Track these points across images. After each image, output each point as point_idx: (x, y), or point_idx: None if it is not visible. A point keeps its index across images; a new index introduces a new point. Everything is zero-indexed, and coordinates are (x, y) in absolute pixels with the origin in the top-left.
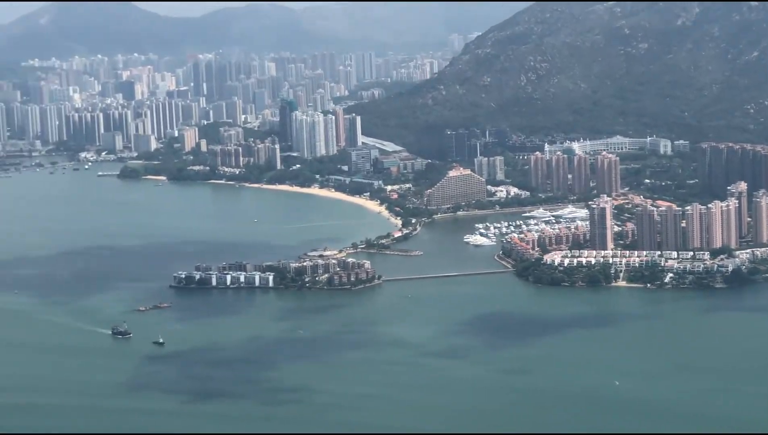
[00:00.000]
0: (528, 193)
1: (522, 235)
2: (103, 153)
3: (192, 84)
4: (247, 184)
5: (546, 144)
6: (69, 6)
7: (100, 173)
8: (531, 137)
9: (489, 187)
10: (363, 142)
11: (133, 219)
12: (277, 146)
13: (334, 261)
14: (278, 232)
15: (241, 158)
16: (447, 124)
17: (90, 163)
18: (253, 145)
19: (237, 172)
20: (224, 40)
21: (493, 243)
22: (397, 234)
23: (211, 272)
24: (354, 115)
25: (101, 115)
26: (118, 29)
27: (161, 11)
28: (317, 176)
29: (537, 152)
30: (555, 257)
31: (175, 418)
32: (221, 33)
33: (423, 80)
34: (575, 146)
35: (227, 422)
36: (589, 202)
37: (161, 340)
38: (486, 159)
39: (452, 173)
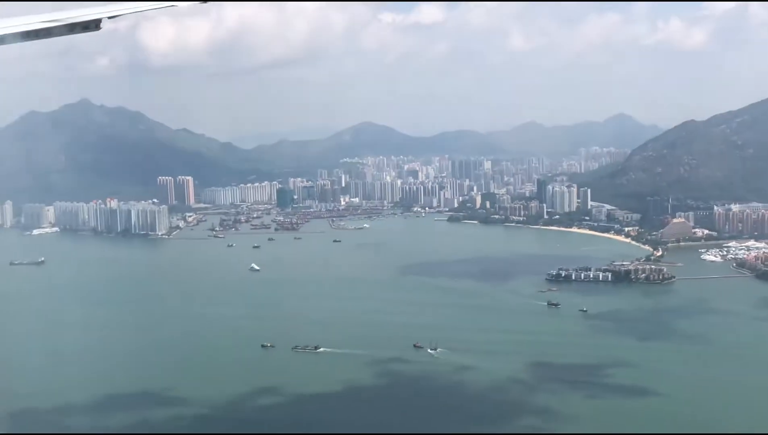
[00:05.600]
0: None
1: (746, 255)
2: (426, 207)
3: (445, 174)
4: (530, 226)
5: (715, 206)
6: (361, 129)
7: (435, 219)
8: (699, 202)
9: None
10: (591, 204)
11: (480, 243)
12: (544, 204)
13: (647, 266)
14: (577, 252)
15: (522, 211)
16: (642, 193)
17: (423, 214)
18: (526, 203)
19: (522, 219)
20: (446, 151)
21: (720, 260)
22: (657, 254)
23: (570, 271)
24: (586, 188)
25: (422, 187)
26: (388, 142)
27: (412, 134)
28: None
29: (716, 208)
30: None
31: (638, 351)
32: (444, 146)
33: (613, 170)
34: (734, 207)
35: (676, 354)
36: None
37: (585, 309)
38: (683, 213)
39: (675, 221)
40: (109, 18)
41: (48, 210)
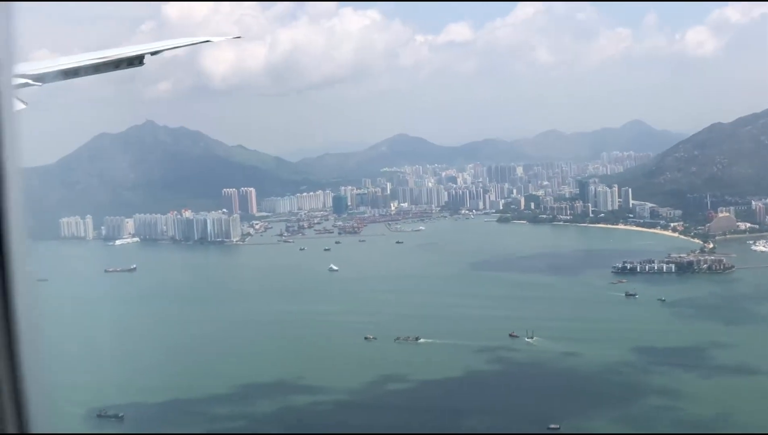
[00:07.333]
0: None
1: None
2: (473, 210)
3: (481, 179)
4: (577, 224)
5: (752, 201)
6: (396, 141)
7: (485, 220)
8: (736, 197)
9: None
10: (633, 202)
11: (535, 240)
12: (589, 204)
13: (707, 257)
14: (631, 246)
15: (568, 210)
16: (680, 191)
17: (471, 216)
18: (571, 203)
19: (569, 217)
20: (475, 159)
21: None
22: (709, 246)
23: (635, 263)
24: (627, 187)
25: (467, 191)
26: (421, 151)
27: (443, 143)
28: (619, 219)
29: (754, 202)
30: None
31: (729, 334)
32: (472, 154)
33: (647, 171)
34: None
35: (765, 336)
36: None
37: (663, 298)
38: (725, 208)
39: (720, 215)
40: (152, 54)
41: (128, 222)
